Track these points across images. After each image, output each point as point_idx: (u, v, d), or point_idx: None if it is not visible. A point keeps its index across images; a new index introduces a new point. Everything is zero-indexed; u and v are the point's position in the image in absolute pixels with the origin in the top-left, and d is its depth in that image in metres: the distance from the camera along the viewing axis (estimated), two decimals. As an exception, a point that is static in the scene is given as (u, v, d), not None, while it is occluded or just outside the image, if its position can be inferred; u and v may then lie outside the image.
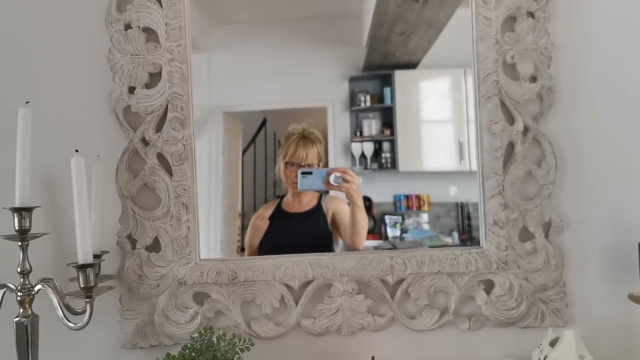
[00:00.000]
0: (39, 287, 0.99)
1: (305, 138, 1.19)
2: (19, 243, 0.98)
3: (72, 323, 0.97)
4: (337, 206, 1.20)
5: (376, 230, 1.21)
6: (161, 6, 1.14)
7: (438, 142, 1.25)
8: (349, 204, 1.18)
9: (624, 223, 1.17)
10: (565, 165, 1.18)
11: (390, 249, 1.19)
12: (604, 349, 1.08)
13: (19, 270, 0.99)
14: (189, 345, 1.03)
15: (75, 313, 0.99)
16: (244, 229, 1.20)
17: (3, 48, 1.17)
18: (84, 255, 0.95)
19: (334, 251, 1.19)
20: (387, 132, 1.22)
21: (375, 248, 1.20)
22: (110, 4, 1.14)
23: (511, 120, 1.16)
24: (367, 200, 1.19)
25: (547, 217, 1.16)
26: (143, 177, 1.14)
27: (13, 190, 0.97)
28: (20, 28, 1.17)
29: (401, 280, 1.16)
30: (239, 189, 1.21)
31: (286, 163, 1.19)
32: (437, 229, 1.22)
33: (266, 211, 1.21)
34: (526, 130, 1.16)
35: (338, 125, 1.20)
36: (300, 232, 1.21)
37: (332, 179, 1.16)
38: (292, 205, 1.21)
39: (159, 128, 1.15)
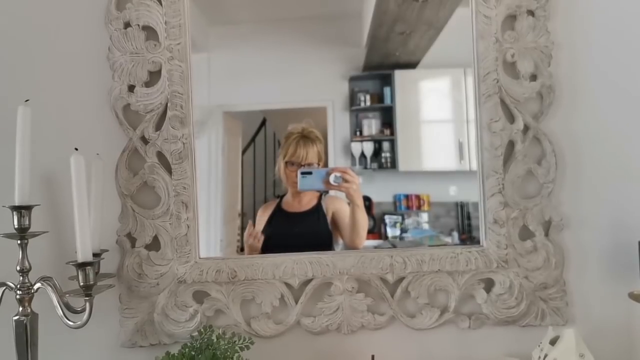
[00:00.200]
0: (38, 285, 0.99)
1: (305, 137, 1.19)
2: (19, 241, 0.98)
3: (72, 321, 0.97)
4: (337, 206, 1.20)
5: (376, 230, 1.21)
6: (161, 4, 1.14)
7: (438, 142, 1.25)
8: (348, 204, 1.18)
9: (624, 222, 1.17)
10: (566, 164, 1.19)
11: (390, 248, 1.19)
12: (604, 347, 1.08)
13: (18, 268, 0.98)
14: (189, 344, 1.03)
15: (75, 311, 0.98)
16: (243, 228, 1.20)
17: (2, 47, 1.17)
18: (83, 254, 0.95)
19: (334, 251, 1.19)
20: (387, 131, 1.22)
21: (375, 248, 1.20)
22: (109, 2, 1.14)
23: (511, 118, 1.17)
24: (367, 200, 1.19)
25: (547, 216, 1.16)
26: (143, 176, 1.14)
27: (12, 188, 0.97)
28: (19, 27, 1.17)
29: (401, 279, 1.16)
30: (238, 188, 1.21)
31: (286, 163, 1.19)
32: (437, 228, 1.21)
33: (266, 211, 1.20)
34: (526, 128, 1.16)
35: (338, 125, 1.20)
36: (300, 231, 1.21)
37: (332, 178, 1.16)
38: (292, 204, 1.21)
39: (158, 126, 1.15)
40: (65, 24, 1.17)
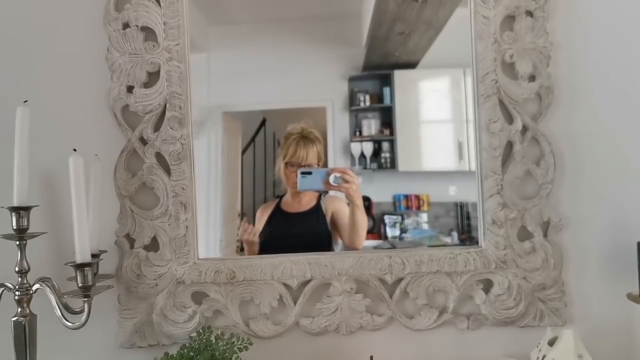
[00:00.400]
0: (37, 286, 0.99)
1: (304, 138, 1.19)
2: (17, 242, 0.98)
3: (70, 322, 0.97)
4: (337, 206, 1.20)
5: (375, 230, 1.21)
6: (159, 5, 1.14)
7: (437, 142, 1.25)
8: (348, 204, 1.18)
9: (623, 222, 1.17)
10: (564, 165, 1.18)
11: (389, 248, 1.19)
12: (602, 348, 1.08)
13: (16, 269, 0.99)
14: (188, 345, 1.03)
15: (74, 312, 0.98)
16: (242, 228, 1.20)
17: (1, 47, 1.17)
18: (81, 255, 0.95)
19: (333, 251, 1.19)
20: (387, 132, 1.22)
21: (375, 248, 1.20)
22: (108, 3, 1.14)
23: (510, 119, 1.16)
24: (366, 200, 1.19)
25: (545, 217, 1.16)
26: (141, 177, 1.14)
27: (11, 189, 0.97)
28: (18, 27, 1.17)
29: (400, 280, 1.16)
30: (238, 189, 1.21)
31: (286, 163, 1.19)
32: (437, 228, 1.21)
33: (265, 211, 1.20)
34: (525, 129, 1.16)
35: (337, 125, 1.20)
36: (300, 232, 1.21)
37: (331, 179, 1.16)
38: (291, 205, 1.21)
39: (157, 127, 1.15)
40: (64, 24, 1.17)
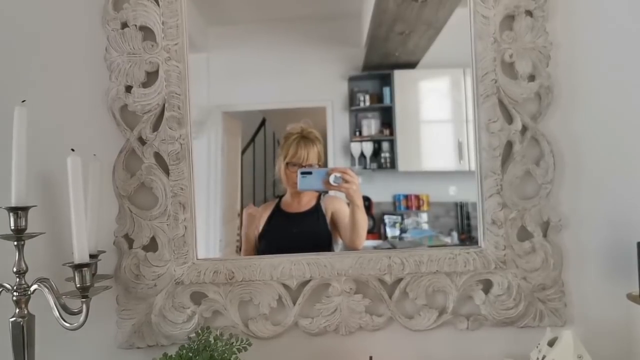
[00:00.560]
0: (35, 287, 0.99)
1: (305, 138, 1.19)
2: (15, 243, 0.98)
3: (69, 323, 0.97)
4: (337, 206, 1.20)
5: (375, 230, 1.21)
6: (158, 5, 1.13)
7: (437, 142, 1.25)
8: (348, 204, 1.18)
9: (622, 222, 1.17)
10: (564, 165, 1.18)
11: (389, 248, 1.19)
12: (602, 348, 1.08)
13: (14, 270, 0.98)
14: (186, 345, 1.03)
15: (72, 313, 0.98)
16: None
17: (-1, 47, 1.17)
18: (80, 255, 0.94)
19: (333, 251, 1.19)
20: (387, 131, 1.22)
21: (375, 248, 1.20)
22: (106, 2, 1.14)
23: (509, 119, 1.16)
24: (366, 200, 1.19)
25: (545, 217, 1.16)
26: (140, 177, 1.14)
27: (9, 189, 0.97)
28: (16, 27, 1.17)
29: (399, 280, 1.16)
30: (238, 189, 1.21)
31: (287, 163, 1.19)
32: (437, 228, 1.21)
33: (265, 211, 1.20)
34: (524, 129, 1.16)
35: (337, 125, 1.20)
36: (300, 232, 1.21)
37: (331, 179, 1.16)
38: (291, 205, 1.21)
39: (156, 127, 1.14)
40: (62, 24, 1.17)
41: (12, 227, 0.97)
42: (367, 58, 1.21)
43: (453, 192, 1.22)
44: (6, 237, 0.98)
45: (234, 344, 1.03)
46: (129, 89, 1.14)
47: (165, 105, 1.14)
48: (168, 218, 1.13)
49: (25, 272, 0.99)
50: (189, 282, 1.13)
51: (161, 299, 1.13)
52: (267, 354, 1.15)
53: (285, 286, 1.15)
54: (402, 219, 1.21)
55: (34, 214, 1.01)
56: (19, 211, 0.97)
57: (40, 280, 0.99)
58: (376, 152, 1.21)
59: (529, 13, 1.16)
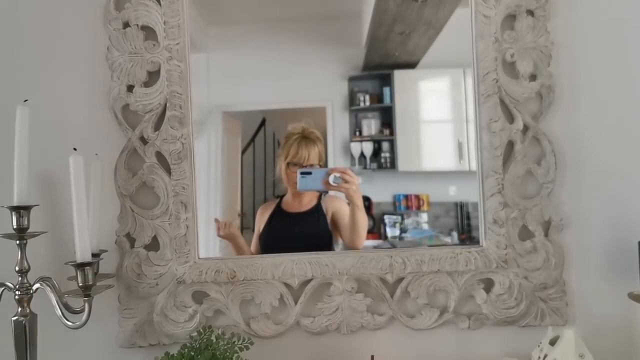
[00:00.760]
0: (37, 285, 0.99)
1: (306, 138, 1.19)
2: (17, 242, 0.98)
3: (71, 322, 0.97)
4: (337, 206, 1.20)
5: (375, 230, 1.21)
6: (159, 4, 1.14)
7: (437, 142, 1.25)
8: (348, 204, 1.18)
9: (624, 222, 1.17)
10: (565, 164, 1.18)
11: (390, 248, 1.19)
12: (603, 347, 1.07)
13: (17, 269, 0.98)
14: (188, 345, 1.03)
15: (74, 312, 0.98)
16: (243, 228, 1.20)
17: (1, 46, 1.17)
18: (82, 254, 0.94)
19: (334, 251, 1.19)
20: (387, 131, 1.22)
21: (375, 248, 1.20)
22: (108, 2, 1.14)
23: (511, 118, 1.16)
24: (366, 200, 1.19)
25: (546, 216, 1.16)
26: (142, 176, 1.14)
27: (11, 188, 0.97)
28: (18, 26, 1.17)
29: (401, 279, 1.16)
30: (238, 189, 1.21)
31: (288, 163, 1.19)
32: (437, 228, 1.21)
33: (266, 211, 1.20)
34: (526, 128, 1.16)
35: (337, 125, 1.20)
36: (300, 231, 1.21)
37: (331, 179, 1.16)
38: (291, 204, 1.21)
39: (157, 126, 1.15)
40: (64, 24, 1.17)
41: (15, 226, 0.97)
42: (367, 58, 1.21)
43: (453, 192, 1.22)
44: (8, 236, 0.98)
45: (235, 343, 1.03)
46: (130, 88, 1.14)
47: (167, 104, 1.14)
48: (170, 217, 1.14)
49: (27, 271, 0.99)
50: (190, 281, 1.13)
51: (163, 298, 1.13)
52: (268, 353, 1.15)
53: (287, 285, 1.15)
54: (402, 219, 1.22)
55: (36, 213, 1.01)
56: (21, 210, 0.97)
57: (43, 279, 0.99)
58: (376, 152, 1.21)
59: (531, 12, 1.16)
